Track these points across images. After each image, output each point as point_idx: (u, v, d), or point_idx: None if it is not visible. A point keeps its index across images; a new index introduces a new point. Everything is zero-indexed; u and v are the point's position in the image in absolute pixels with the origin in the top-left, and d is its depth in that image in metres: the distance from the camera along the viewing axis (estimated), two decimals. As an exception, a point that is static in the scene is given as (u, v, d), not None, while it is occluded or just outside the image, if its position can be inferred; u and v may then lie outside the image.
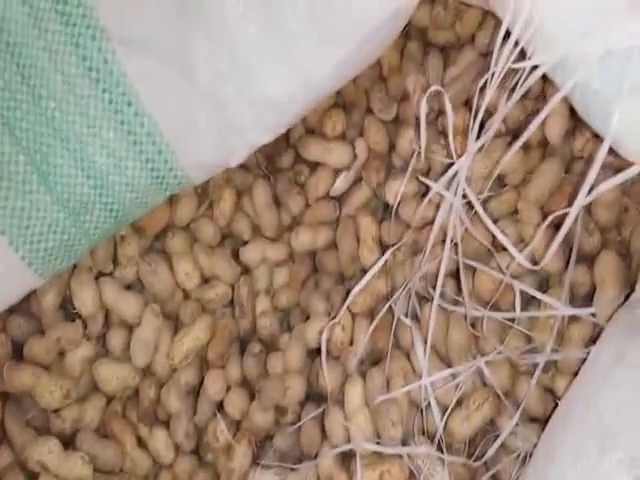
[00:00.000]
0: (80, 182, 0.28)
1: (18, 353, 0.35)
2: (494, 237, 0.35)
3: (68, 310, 0.36)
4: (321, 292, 0.38)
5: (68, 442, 0.34)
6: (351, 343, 0.37)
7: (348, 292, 0.37)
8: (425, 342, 0.35)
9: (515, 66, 0.30)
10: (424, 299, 0.37)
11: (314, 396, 0.37)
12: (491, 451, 0.34)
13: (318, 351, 0.37)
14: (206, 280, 0.38)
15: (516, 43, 0.30)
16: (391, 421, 0.33)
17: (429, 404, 0.34)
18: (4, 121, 0.27)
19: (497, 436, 0.34)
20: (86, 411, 0.35)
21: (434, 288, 0.36)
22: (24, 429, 0.33)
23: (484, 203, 0.36)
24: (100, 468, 0.34)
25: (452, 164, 0.35)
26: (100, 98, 0.28)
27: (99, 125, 0.28)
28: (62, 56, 0.27)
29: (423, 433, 0.35)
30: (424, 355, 0.35)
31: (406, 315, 0.36)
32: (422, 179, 0.35)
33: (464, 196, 0.34)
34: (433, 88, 0.33)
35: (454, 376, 0.35)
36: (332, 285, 0.39)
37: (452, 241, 0.35)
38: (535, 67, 0.30)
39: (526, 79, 0.31)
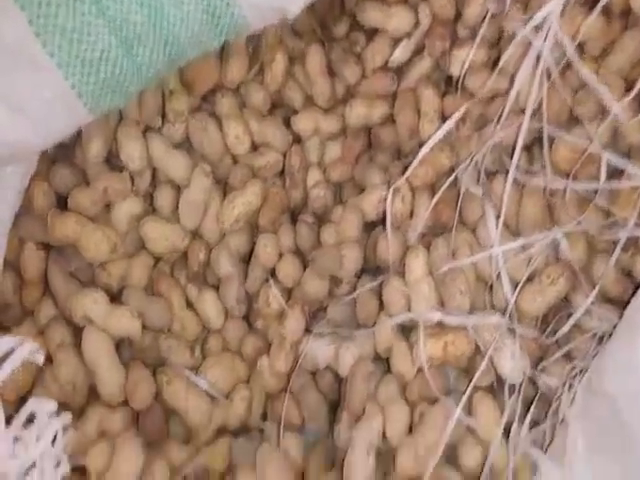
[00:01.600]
0: (134, 9, 0.26)
1: (62, 206, 0.33)
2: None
3: (114, 164, 0.33)
4: (377, 165, 0.36)
5: (114, 299, 0.32)
6: (411, 216, 0.35)
7: (406, 168, 0.35)
8: (498, 214, 0.33)
9: None
10: (491, 174, 0.35)
11: (370, 271, 0.35)
12: (565, 328, 0.32)
13: (374, 225, 0.35)
14: (255, 147, 0.36)
15: None
16: (459, 290, 0.31)
17: (498, 277, 0.32)
18: None
19: (570, 314, 0.32)
20: (133, 269, 0.33)
21: (510, 158, 0.33)
22: (68, 280, 0.32)
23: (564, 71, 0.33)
24: (148, 326, 0.32)
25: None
26: None
27: (156, -53, 0.26)
28: None
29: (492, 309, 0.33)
30: (495, 226, 0.32)
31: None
32: (508, 22, 0.32)
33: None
34: None
35: (525, 249, 0.32)
36: (389, 161, 0.36)
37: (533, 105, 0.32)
38: None
39: None
